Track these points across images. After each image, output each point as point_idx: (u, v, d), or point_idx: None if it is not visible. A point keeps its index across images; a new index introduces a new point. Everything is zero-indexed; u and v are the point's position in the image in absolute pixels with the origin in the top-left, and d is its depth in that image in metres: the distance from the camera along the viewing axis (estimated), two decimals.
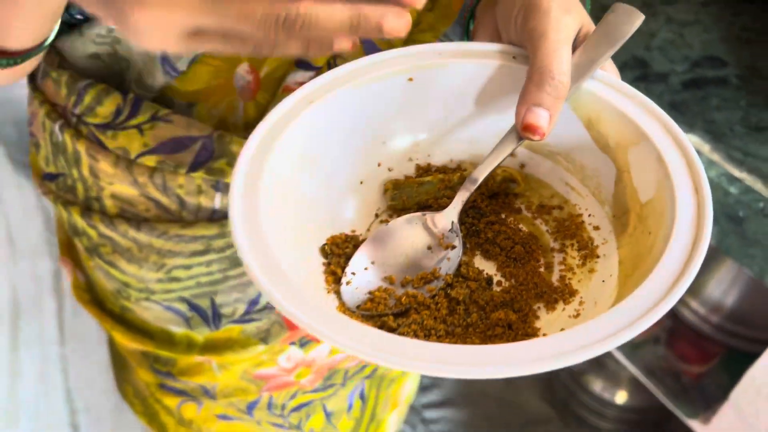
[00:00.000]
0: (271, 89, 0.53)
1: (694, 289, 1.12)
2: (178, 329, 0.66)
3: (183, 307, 0.63)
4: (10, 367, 1.57)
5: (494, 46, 0.46)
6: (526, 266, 0.44)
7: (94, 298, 0.70)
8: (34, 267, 1.74)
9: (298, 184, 0.43)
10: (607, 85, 0.44)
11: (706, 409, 1.01)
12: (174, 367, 0.70)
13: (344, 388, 0.79)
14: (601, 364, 1.36)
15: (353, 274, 0.42)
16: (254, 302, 0.63)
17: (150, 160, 0.54)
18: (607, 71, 0.45)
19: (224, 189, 0.55)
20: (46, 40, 0.45)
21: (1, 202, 1.89)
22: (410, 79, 0.45)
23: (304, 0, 0.29)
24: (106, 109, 0.52)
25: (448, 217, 0.44)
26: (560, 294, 0.42)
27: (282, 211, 0.40)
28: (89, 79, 0.53)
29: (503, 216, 0.47)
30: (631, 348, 1.11)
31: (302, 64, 0.52)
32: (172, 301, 0.62)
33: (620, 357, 1.11)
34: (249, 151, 0.40)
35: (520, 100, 0.41)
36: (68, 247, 0.71)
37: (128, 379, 0.80)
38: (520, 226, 0.47)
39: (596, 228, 0.44)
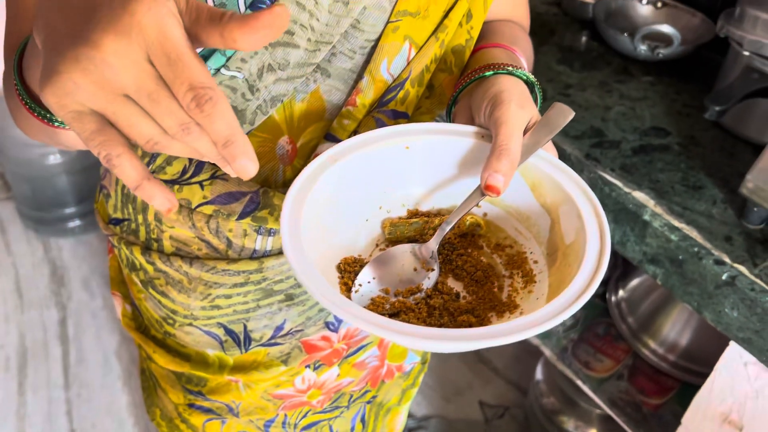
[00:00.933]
0: (305, 156, 0.66)
1: (652, 331, 1.26)
2: (213, 351, 0.77)
3: (220, 332, 0.75)
4: (17, 410, 1.63)
5: (468, 128, 0.60)
6: (484, 287, 0.57)
7: (139, 325, 0.82)
8: (41, 316, 1.83)
9: (323, 218, 0.56)
10: (546, 160, 0.58)
11: None
12: (205, 386, 0.81)
13: (348, 411, 0.91)
14: (573, 404, 1.48)
15: (360, 285, 0.56)
16: (280, 328, 0.75)
17: (208, 209, 0.64)
18: (548, 150, 0.60)
19: (264, 233, 0.67)
20: None
21: (10, 254, 1.98)
22: (407, 147, 0.60)
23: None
24: (174, 168, 0.65)
25: (429, 248, 0.58)
26: (507, 307, 0.55)
27: (312, 238, 0.53)
28: None
29: (470, 250, 0.61)
30: (597, 383, 1.23)
31: (330, 136, 0.66)
32: (212, 326, 0.74)
33: (588, 391, 1.23)
34: (292, 192, 0.54)
35: (484, 167, 0.54)
36: (118, 283, 0.83)
37: (156, 403, 0.91)
38: (482, 258, 0.61)
39: (535, 262, 0.58)
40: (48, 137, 0.54)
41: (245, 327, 0.74)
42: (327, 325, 0.77)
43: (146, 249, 0.71)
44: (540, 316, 0.46)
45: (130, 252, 0.72)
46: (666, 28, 1.15)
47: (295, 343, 0.78)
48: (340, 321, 0.78)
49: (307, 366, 0.81)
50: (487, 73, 0.62)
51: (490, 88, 0.59)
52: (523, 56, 0.70)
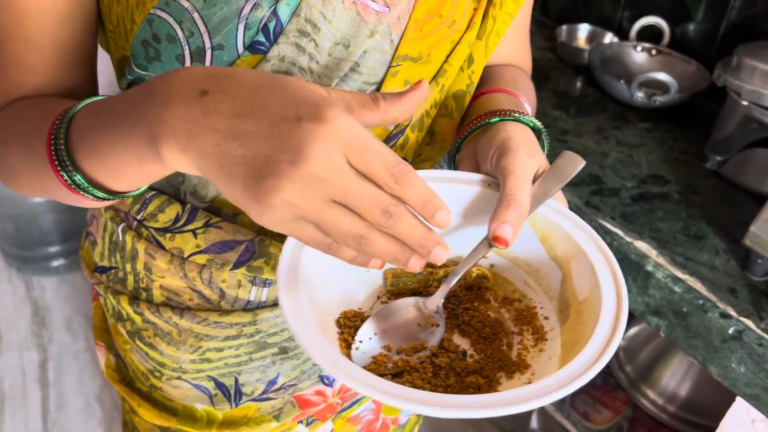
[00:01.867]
0: None
1: (651, 381, 1.23)
2: (202, 406, 0.73)
3: (210, 385, 0.71)
4: None
5: (474, 176, 0.58)
6: (492, 344, 0.54)
7: (123, 377, 0.78)
8: (20, 358, 1.77)
9: (322, 270, 0.53)
10: (557, 211, 0.56)
11: None
12: None
13: None
14: None
15: (360, 342, 0.53)
16: (273, 382, 0.72)
17: (201, 259, 0.62)
18: (558, 200, 0.57)
19: (259, 283, 0.65)
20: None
21: None
22: None
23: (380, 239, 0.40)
24: (167, 216, 0.62)
25: (434, 302, 0.55)
26: (517, 366, 0.52)
27: (311, 290, 0.50)
28: (151, 190, 0.64)
29: (476, 304, 0.58)
30: None
31: None
32: (201, 379, 0.71)
33: None
34: (290, 244, 0.51)
35: (491, 217, 0.51)
36: (102, 333, 0.80)
37: None
38: (489, 312, 0.58)
39: (546, 318, 0.55)
40: (69, 201, 0.55)
41: (236, 380, 0.71)
42: (321, 379, 0.74)
43: (134, 299, 0.68)
44: (553, 383, 0.43)
45: (117, 301, 0.69)
46: (662, 76, 1.15)
47: (288, 397, 0.74)
48: None
49: (300, 421, 0.77)
50: (493, 120, 0.60)
51: (496, 135, 0.57)
52: (527, 101, 0.68)
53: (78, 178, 0.49)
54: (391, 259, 0.41)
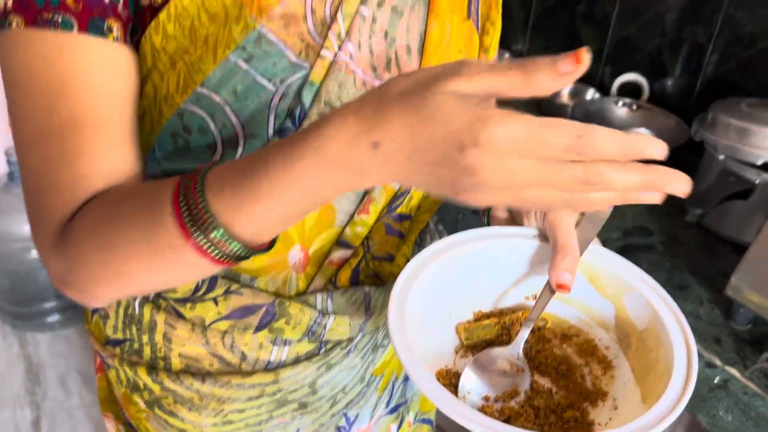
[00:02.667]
0: (317, 262, 0.66)
1: None
2: None
3: None
4: None
5: (523, 230, 0.62)
6: (570, 378, 0.59)
7: None
8: (14, 416, 1.75)
9: (414, 336, 0.54)
10: (598, 253, 0.61)
11: None
12: None
13: None
14: None
15: (463, 398, 0.56)
16: None
17: (223, 325, 0.63)
18: (594, 243, 0.62)
19: (280, 343, 0.66)
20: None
21: None
22: (468, 254, 0.61)
23: (600, 164, 0.38)
24: (186, 286, 0.63)
25: (515, 349, 0.58)
26: (596, 395, 0.57)
27: (417, 357, 0.52)
28: None
29: (542, 345, 0.63)
30: None
31: (342, 243, 0.66)
32: None
33: None
34: (393, 317, 0.53)
35: (551, 267, 0.55)
36: (108, 404, 0.79)
37: None
38: (554, 350, 0.62)
39: (607, 347, 0.60)
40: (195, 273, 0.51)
41: None
42: (338, 429, 0.76)
43: (152, 368, 0.69)
44: (669, 403, 0.47)
45: (135, 372, 0.69)
46: (644, 131, 1.20)
47: None
48: (351, 424, 0.76)
49: None
50: None
51: None
52: None
53: (217, 233, 0.45)
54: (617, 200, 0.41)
